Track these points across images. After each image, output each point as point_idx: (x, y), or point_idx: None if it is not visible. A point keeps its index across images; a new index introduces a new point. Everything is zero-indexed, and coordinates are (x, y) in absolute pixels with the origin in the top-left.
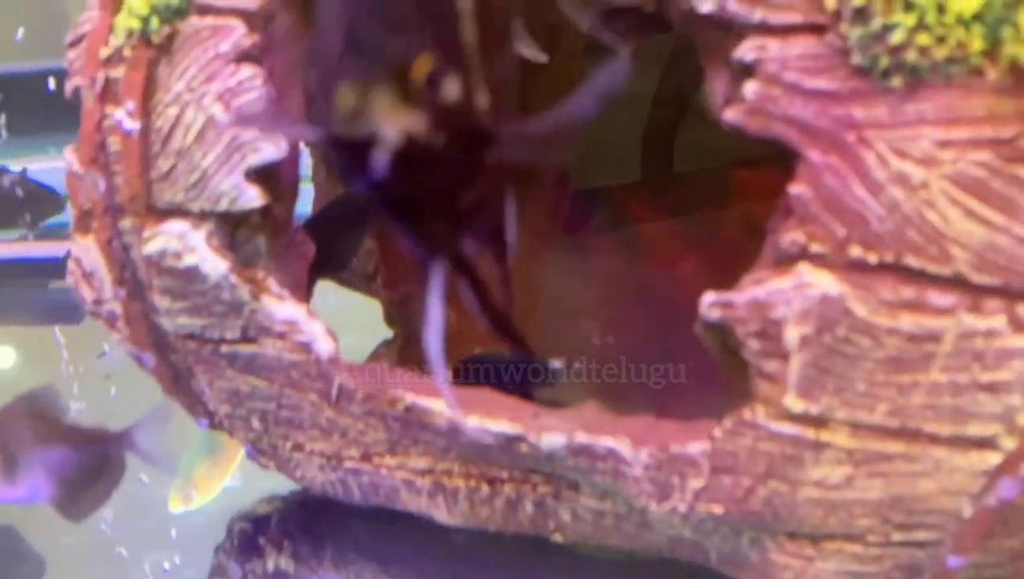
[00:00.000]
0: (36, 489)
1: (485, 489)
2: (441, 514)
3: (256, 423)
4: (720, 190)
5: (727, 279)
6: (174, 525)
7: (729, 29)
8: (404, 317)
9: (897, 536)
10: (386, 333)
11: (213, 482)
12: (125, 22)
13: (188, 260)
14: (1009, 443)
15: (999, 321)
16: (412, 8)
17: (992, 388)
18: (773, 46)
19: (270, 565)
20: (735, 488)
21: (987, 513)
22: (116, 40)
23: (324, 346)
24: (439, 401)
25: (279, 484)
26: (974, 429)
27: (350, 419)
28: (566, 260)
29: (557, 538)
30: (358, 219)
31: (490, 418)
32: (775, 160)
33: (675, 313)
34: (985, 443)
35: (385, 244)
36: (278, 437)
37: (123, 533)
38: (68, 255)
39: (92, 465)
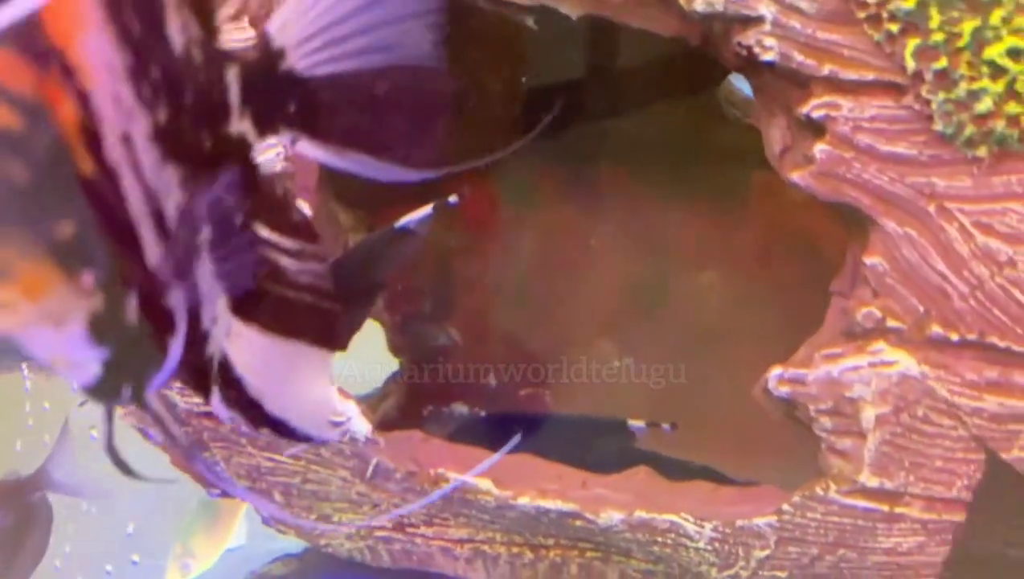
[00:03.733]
0: None
1: (528, 555)
2: (479, 576)
3: (278, 496)
4: (740, 193)
5: (749, 290)
6: None
7: (792, 80)
8: (408, 342)
9: None
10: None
11: (213, 549)
12: None
13: None
14: None
15: None
16: None
17: None
18: (844, 104)
19: None
20: (801, 556)
21: None
22: None
23: (360, 426)
24: (485, 480)
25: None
26: None
27: (385, 494)
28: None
29: None
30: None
31: (543, 498)
32: None
33: (697, 330)
34: None
35: None
36: (301, 509)
37: None
38: None
39: (18, 522)
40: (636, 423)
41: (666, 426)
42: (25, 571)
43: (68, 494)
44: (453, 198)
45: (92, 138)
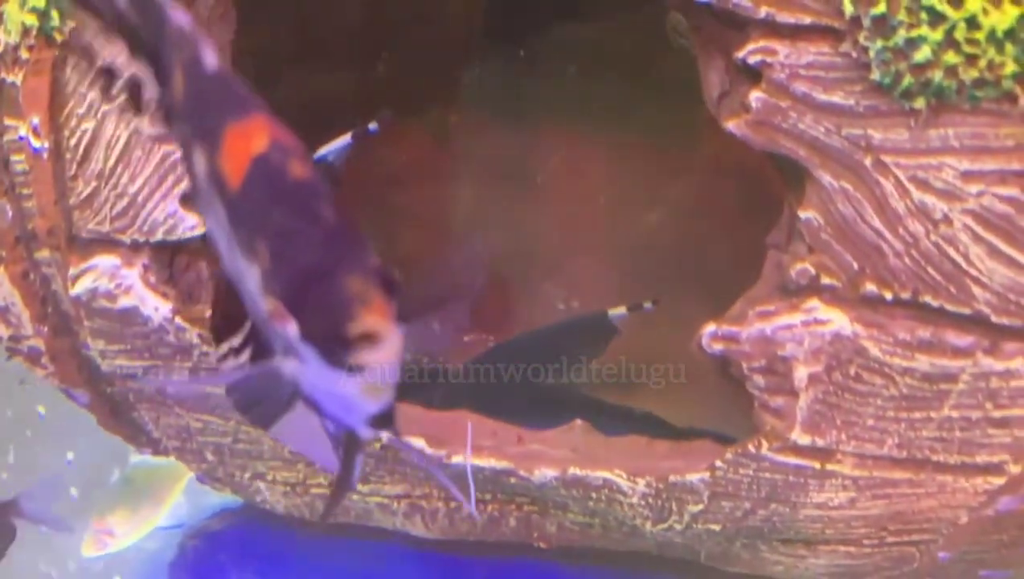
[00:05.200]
0: None
1: (466, 509)
2: (417, 530)
3: (210, 456)
4: (687, 128)
5: (696, 229)
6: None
7: (729, 21)
8: None
9: (892, 539)
10: None
11: (135, 527)
12: (17, 15)
13: (124, 301)
14: (1015, 469)
15: (1017, 363)
16: None
17: (1003, 422)
18: (781, 50)
19: None
20: (734, 510)
21: (983, 520)
22: (7, 36)
23: None
24: (418, 438)
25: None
26: (982, 458)
27: None
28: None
29: (540, 545)
30: None
31: (477, 455)
32: None
33: (639, 271)
34: (991, 469)
35: None
36: (235, 467)
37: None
38: None
39: None
40: (616, 311)
41: (648, 305)
42: None
43: (35, 523)
44: (373, 125)
45: None
